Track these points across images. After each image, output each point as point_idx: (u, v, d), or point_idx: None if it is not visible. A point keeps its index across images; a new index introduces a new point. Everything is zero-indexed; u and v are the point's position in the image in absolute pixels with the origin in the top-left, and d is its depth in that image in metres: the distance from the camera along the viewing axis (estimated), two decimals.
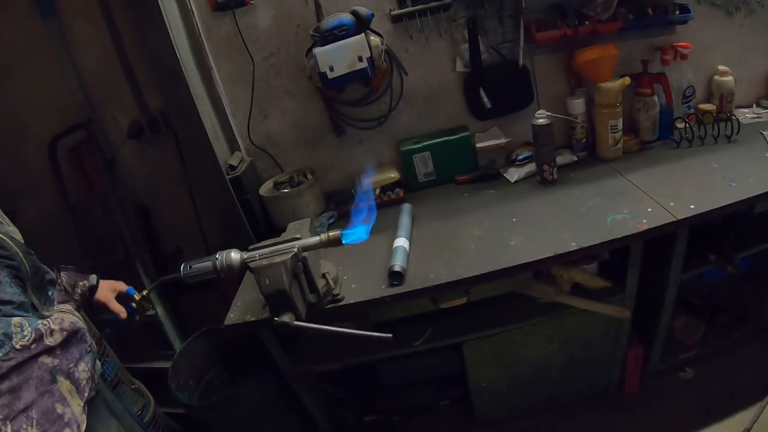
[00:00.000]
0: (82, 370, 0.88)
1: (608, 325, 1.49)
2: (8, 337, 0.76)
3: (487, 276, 1.23)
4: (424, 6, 1.56)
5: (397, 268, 1.24)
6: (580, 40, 1.58)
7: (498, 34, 1.64)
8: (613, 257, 1.44)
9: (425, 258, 1.34)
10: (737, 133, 1.58)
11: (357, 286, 1.29)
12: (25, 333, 0.78)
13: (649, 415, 1.63)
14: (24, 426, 0.74)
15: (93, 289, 1.16)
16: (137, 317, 1.25)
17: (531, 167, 1.67)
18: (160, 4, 1.38)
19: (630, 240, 1.25)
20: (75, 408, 0.83)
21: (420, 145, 1.72)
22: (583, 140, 1.71)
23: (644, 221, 1.26)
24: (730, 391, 1.61)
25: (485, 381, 1.57)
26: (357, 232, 1.10)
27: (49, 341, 0.82)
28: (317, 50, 1.47)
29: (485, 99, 1.69)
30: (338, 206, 1.72)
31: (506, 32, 1.63)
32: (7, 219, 0.91)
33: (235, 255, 1.12)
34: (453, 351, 1.48)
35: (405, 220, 1.48)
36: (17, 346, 0.76)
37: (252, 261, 1.11)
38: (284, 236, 1.19)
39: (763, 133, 1.58)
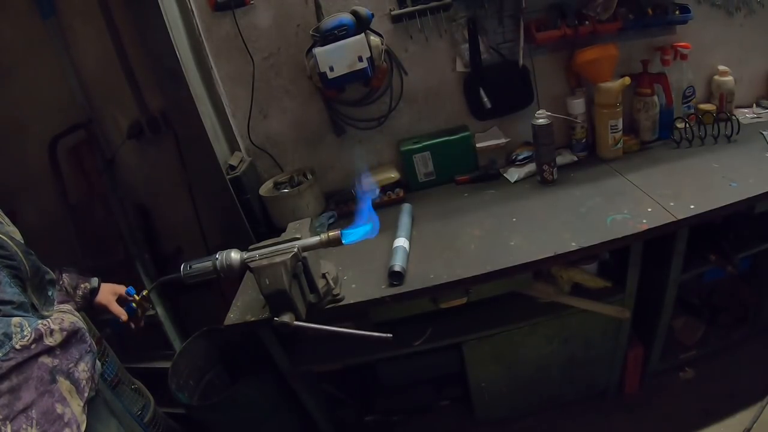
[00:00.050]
0: (82, 370, 0.88)
1: (608, 325, 1.49)
2: (8, 337, 0.76)
3: (487, 276, 1.23)
4: (424, 6, 1.56)
5: (397, 268, 1.24)
6: (580, 40, 1.58)
7: (498, 34, 1.64)
8: (613, 257, 1.44)
9: (425, 258, 1.34)
10: (737, 133, 1.57)
11: (357, 286, 1.29)
12: (24, 333, 0.78)
13: (649, 415, 1.63)
14: (24, 426, 0.73)
15: (94, 291, 1.16)
16: (140, 319, 1.25)
17: (531, 167, 1.67)
18: (160, 4, 1.38)
19: (630, 240, 1.25)
20: (75, 408, 0.83)
21: (420, 145, 1.72)
22: (583, 140, 1.71)
23: (644, 221, 1.26)
24: (730, 391, 1.61)
25: (485, 381, 1.57)
26: (363, 230, 1.10)
27: (49, 341, 0.82)
28: (317, 50, 1.47)
29: (485, 99, 1.69)
30: (338, 206, 1.72)
31: (506, 32, 1.63)
32: (7, 219, 0.91)
33: (235, 255, 1.12)
34: (453, 351, 1.48)
35: (405, 220, 1.48)
36: (17, 346, 0.76)
37: (252, 261, 1.11)
38: (284, 236, 1.19)
39: (763, 133, 1.58)
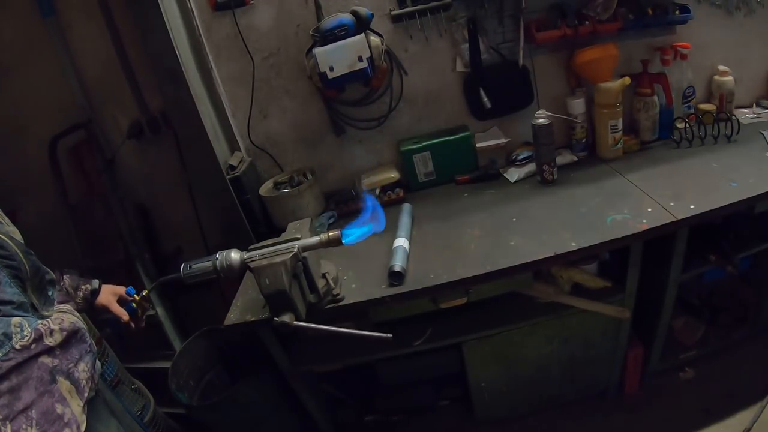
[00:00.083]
0: (82, 370, 0.88)
1: (608, 325, 1.49)
2: (8, 337, 0.76)
3: (487, 276, 1.23)
4: (424, 6, 1.56)
5: (397, 268, 1.24)
6: (580, 40, 1.58)
7: (498, 34, 1.64)
8: (613, 257, 1.44)
9: (425, 258, 1.34)
10: (737, 133, 1.57)
11: (357, 286, 1.29)
12: (24, 333, 0.78)
13: (649, 415, 1.63)
14: (24, 426, 0.73)
15: (95, 292, 1.16)
16: (140, 319, 1.25)
17: (531, 167, 1.67)
18: (160, 4, 1.38)
19: (630, 240, 1.25)
20: (75, 408, 0.83)
21: (420, 145, 1.72)
22: (583, 140, 1.71)
23: (644, 221, 1.26)
24: (730, 391, 1.61)
25: (485, 381, 1.57)
26: (364, 230, 1.10)
27: (49, 341, 0.82)
28: (317, 50, 1.47)
29: (485, 99, 1.69)
30: (338, 206, 1.72)
31: (506, 32, 1.63)
32: (7, 219, 0.91)
33: (235, 255, 1.12)
34: (453, 351, 1.48)
35: (405, 220, 1.48)
36: (17, 347, 0.76)
37: (252, 261, 1.11)
38: (284, 236, 1.19)
39: (763, 133, 1.58)
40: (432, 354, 1.48)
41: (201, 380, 1.68)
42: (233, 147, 1.73)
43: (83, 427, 0.82)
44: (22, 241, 0.90)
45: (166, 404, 1.62)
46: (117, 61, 1.63)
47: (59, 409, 0.79)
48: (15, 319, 0.78)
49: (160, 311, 1.82)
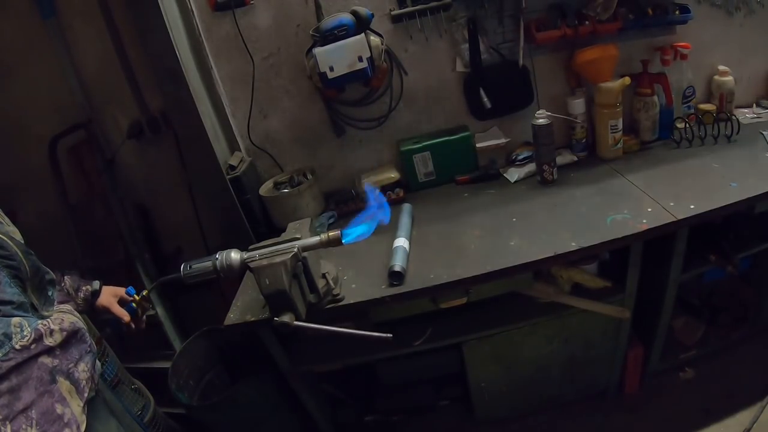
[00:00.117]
0: (82, 370, 0.88)
1: (608, 325, 1.49)
2: (8, 337, 0.75)
3: (487, 276, 1.23)
4: (424, 6, 1.56)
5: (397, 268, 1.24)
6: (580, 40, 1.58)
7: (498, 34, 1.64)
8: (613, 257, 1.44)
9: (425, 258, 1.34)
10: (737, 133, 1.58)
11: (357, 286, 1.29)
12: (24, 333, 0.78)
13: (649, 415, 1.63)
14: (23, 426, 0.73)
15: (96, 293, 1.16)
16: (141, 320, 1.25)
17: (531, 167, 1.67)
18: (160, 4, 1.38)
19: (630, 240, 1.25)
20: (75, 408, 0.83)
21: (420, 145, 1.72)
22: (583, 140, 1.71)
23: (644, 221, 1.26)
24: (730, 391, 1.61)
25: (485, 381, 1.57)
26: (364, 228, 1.11)
27: (49, 341, 0.82)
28: (317, 50, 1.47)
29: (485, 99, 1.69)
30: (338, 206, 1.72)
31: (506, 32, 1.63)
32: (7, 219, 0.91)
33: (235, 255, 1.12)
34: (453, 351, 1.48)
35: (405, 220, 1.48)
36: (17, 347, 0.76)
37: (252, 261, 1.11)
38: (284, 236, 1.19)
39: (763, 133, 1.58)
40: (432, 354, 1.48)
41: (201, 380, 1.68)
42: (233, 147, 1.73)
43: (83, 427, 0.82)
44: (22, 241, 0.90)
45: (166, 404, 1.62)
46: (117, 61, 1.63)
47: (59, 409, 0.79)
48: (15, 319, 0.78)
49: (160, 311, 1.82)
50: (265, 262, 1.09)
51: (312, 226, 1.34)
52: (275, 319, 1.08)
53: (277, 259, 1.08)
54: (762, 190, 1.28)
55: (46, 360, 0.81)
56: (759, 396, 1.56)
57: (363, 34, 1.47)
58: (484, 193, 1.65)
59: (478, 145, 1.74)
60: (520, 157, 1.72)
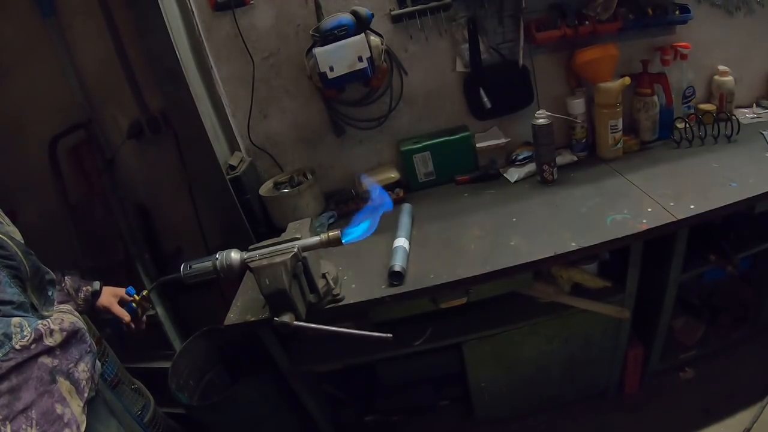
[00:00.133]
0: (82, 370, 0.88)
1: (608, 325, 1.49)
2: (8, 337, 0.75)
3: (487, 276, 1.23)
4: (424, 6, 1.56)
5: (397, 268, 1.24)
6: (580, 40, 1.58)
7: (498, 34, 1.64)
8: (613, 257, 1.44)
9: (425, 258, 1.34)
10: (737, 133, 1.57)
11: (357, 286, 1.29)
12: (24, 333, 0.78)
13: (649, 415, 1.63)
14: (23, 426, 0.73)
15: (96, 294, 1.16)
16: (141, 321, 1.25)
17: (531, 167, 1.67)
18: (160, 4, 1.38)
19: (630, 240, 1.25)
20: (75, 408, 0.83)
21: (420, 145, 1.72)
22: (583, 140, 1.71)
23: (644, 221, 1.26)
24: (730, 391, 1.61)
25: (485, 381, 1.57)
26: (364, 227, 1.11)
27: (49, 341, 0.82)
28: (317, 50, 1.47)
29: (485, 99, 1.69)
30: (338, 206, 1.72)
31: (506, 32, 1.63)
32: (7, 219, 0.91)
33: (235, 255, 1.12)
34: (453, 351, 1.48)
35: (405, 220, 1.48)
36: (17, 347, 0.76)
37: (252, 261, 1.11)
38: (284, 236, 1.19)
39: (763, 133, 1.58)
40: (432, 354, 1.48)
41: (201, 380, 1.68)
42: (233, 147, 1.73)
43: (83, 427, 0.82)
44: (22, 241, 0.90)
45: (166, 404, 1.62)
46: (117, 61, 1.63)
47: (59, 409, 0.79)
48: (15, 319, 0.78)
49: (160, 311, 1.82)
50: (265, 262, 1.09)
51: (312, 226, 1.34)
52: (275, 319, 1.08)
53: (277, 259, 1.08)
54: (762, 190, 1.28)
55: (46, 360, 0.81)
56: (759, 396, 1.56)
57: (363, 34, 1.47)
58: (484, 193, 1.65)
59: (478, 145, 1.74)
60: (520, 157, 1.72)
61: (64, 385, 0.82)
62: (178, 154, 1.73)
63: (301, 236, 1.16)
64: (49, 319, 0.85)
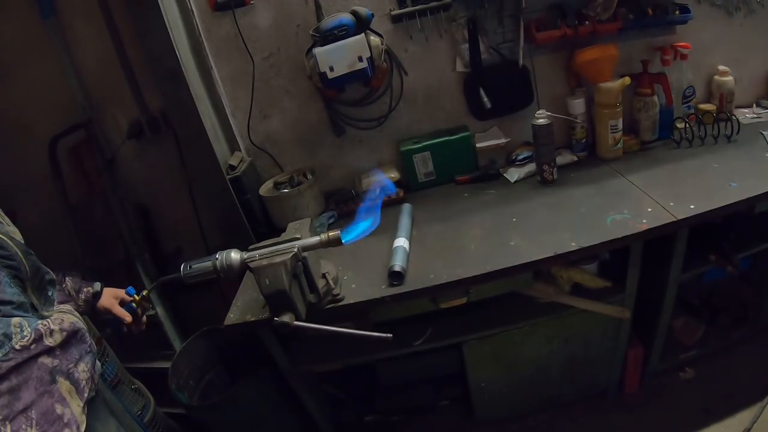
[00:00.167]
0: (82, 370, 0.88)
1: (608, 325, 1.49)
2: (8, 337, 0.76)
3: (487, 276, 1.23)
4: (424, 6, 1.56)
5: (397, 268, 1.24)
6: (580, 40, 1.58)
7: (498, 34, 1.64)
8: (613, 257, 1.44)
9: (425, 258, 1.34)
10: (737, 133, 1.58)
11: (357, 286, 1.29)
12: (24, 333, 0.78)
13: (649, 415, 1.63)
14: (23, 426, 0.74)
15: (97, 295, 1.16)
16: (141, 322, 1.25)
17: (531, 167, 1.67)
18: (160, 4, 1.38)
19: (630, 240, 1.25)
20: (75, 408, 0.83)
21: (420, 145, 1.72)
22: (583, 140, 1.71)
23: (644, 221, 1.26)
24: (730, 391, 1.61)
25: (485, 381, 1.57)
26: (364, 226, 1.11)
27: (49, 341, 0.82)
28: (317, 50, 1.47)
29: (485, 99, 1.69)
30: (338, 206, 1.72)
31: (506, 32, 1.63)
32: (7, 219, 0.91)
33: (235, 255, 1.12)
34: (453, 351, 1.48)
35: (405, 220, 1.48)
36: (17, 347, 0.76)
37: (252, 261, 1.11)
38: (284, 236, 1.19)
39: (763, 133, 1.58)
40: (432, 354, 1.48)
41: (201, 380, 1.68)
42: (233, 147, 1.73)
43: (83, 427, 0.82)
44: (22, 241, 0.90)
45: (166, 404, 1.62)
46: (117, 61, 1.63)
47: (59, 409, 0.79)
48: (15, 320, 0.78)
49: (160, 311, 1.82)
50: (265, 262, 1.09)
51: (312, 226, 1.34)
52: (275, 319, 1.09)
53: (277, 259, 1.08)
54: (762, 190, 1.28)
55: (46, 360, 0.81)
56: (759, 396, 1.56)
57: (363, 34, 1.47)
58: (484, 193, 1.65)
59: (478, 145, 1.74)
60: (520, 157, 1.72)
61: (64, 385, 0.82)
62: (178, 154, 1.73)
63: (301, 236, 1.16)
64: (49, 319, 0.85)
